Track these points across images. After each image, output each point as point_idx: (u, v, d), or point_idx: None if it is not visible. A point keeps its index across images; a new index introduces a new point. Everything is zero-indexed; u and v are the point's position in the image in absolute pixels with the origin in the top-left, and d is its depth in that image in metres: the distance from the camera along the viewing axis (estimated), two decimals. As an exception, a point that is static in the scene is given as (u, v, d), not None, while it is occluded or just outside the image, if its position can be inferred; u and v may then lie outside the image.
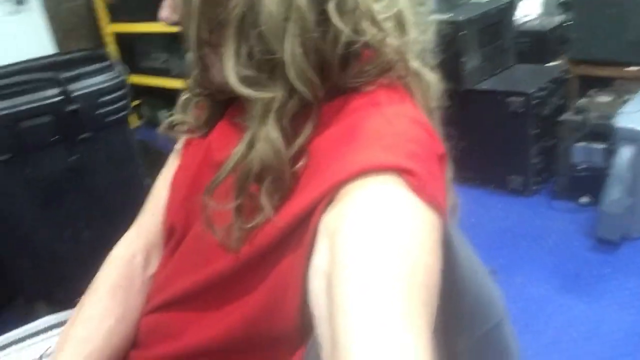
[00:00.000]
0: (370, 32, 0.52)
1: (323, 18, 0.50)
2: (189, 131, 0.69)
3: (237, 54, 0.51)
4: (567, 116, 2.05)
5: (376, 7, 0.52)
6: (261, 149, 0.52)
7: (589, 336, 1.49)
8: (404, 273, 0.43)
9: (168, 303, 0.67)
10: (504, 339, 0.64)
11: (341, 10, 0.50)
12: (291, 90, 0.51)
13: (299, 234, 0.52)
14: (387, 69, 0.56)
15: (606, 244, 1.83)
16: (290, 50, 0.49)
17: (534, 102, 2.06)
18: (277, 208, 0.53)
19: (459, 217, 0.66)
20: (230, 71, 0.51)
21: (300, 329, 0.55)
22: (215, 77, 0.57)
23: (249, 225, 0.54)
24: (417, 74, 0.58)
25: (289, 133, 0.52)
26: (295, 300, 0.54)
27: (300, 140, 0.53)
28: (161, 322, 0.68)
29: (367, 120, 0.53)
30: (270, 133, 0.51)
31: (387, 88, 0.56)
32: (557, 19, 2.63)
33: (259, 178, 0.53)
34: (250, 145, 0.53)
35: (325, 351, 0.44)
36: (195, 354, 0.63)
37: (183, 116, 0.69)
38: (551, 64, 2.49)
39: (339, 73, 0.54)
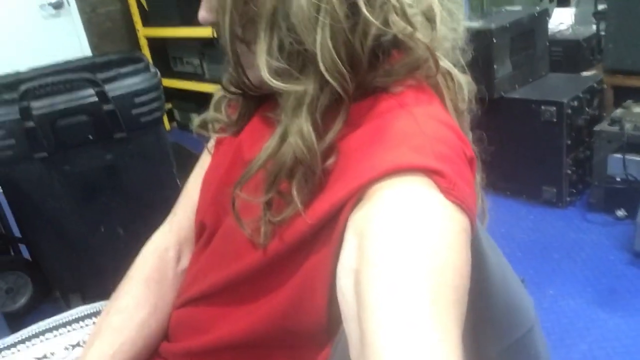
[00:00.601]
0: (399, 26, 0.52)
1: (353, 10, 0.50)
2: (221, 130, 0.69)
3: (270, 48, 0.52)
4: (602, 127, 2.00)
5: (406, 0, 0.52)
6: (294, 143, 0.52)
7: (624, 352, 1.45)
8: (432, 273, 0.43)
9: (197, 297, 0.68)
10: (535, 347, 0.63)
11: (371, 2, 0.50)
12: (322, 83, 0.51)
13: (327, 232, 0.52)
14: (416, 67, 0.55)
15: (642, 259, 1.78)
16: (321, 42, 0.49)
17: (568, 111, 2.02)
18: (306, 204, 0.53)
19: (489, 227, 0.65)
20: (263, 65, 0.52)
21: (327, 327, 0.55)
22: (249, 73, 0.58)
23: (277, 219, 0.54)
24: (446, 74, 0.58)
25: (320, 128, 0.52)
26: (322, 297, 0.54)
27: (330, 136, 0.53)
28: (190, 316, 0.69)
29: (396, 121, 0.53)
30: (302, 126, 0.51)
31: (415, 89, 0.56)
32: (592, 28, 2.58)
33: (291, 172, 0.53)
34: (283, 139, 0.53)
35: (354, 349, 0.44)
36: (222, 348, 0.64)
37: (216, 114, 0.70)
38: (585, 73, 2.45)
39: (369, 70, 0.54)
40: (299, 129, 0.52)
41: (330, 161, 0.53)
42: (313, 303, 0.55)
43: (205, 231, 0.70)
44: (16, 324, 1.67)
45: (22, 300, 1.88)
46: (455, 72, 0.58)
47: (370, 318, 0.42)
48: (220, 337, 0.64)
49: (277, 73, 0.52)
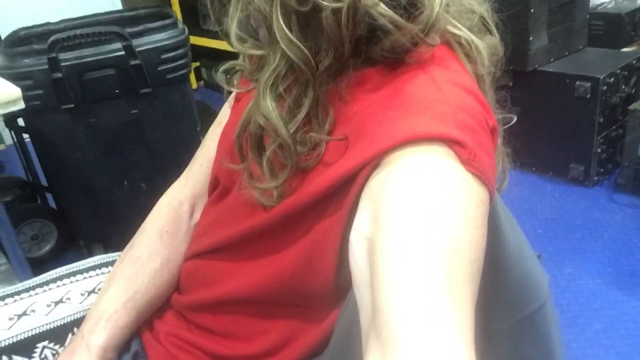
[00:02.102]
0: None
1: None
2: (242, 84, 0.69)
3: (236, 12, 0.52)
4: (637, 105, 1.94)
5: None
6: (260, 120, 0.52)
7: (638, 334, 1.43)
8: (449, 246, 0.42)
9: (206, 251, 0.69)
10: (545, 324, 0.62)
11: None
12: (285, 56, 0.50)
13: (340, 197, 0.52)
14: (416, 42, 0.51)
15: (667, 243, 1.75)
16: (274, 10, 0.48)
17: (603, 88, 1.96)
18: (293, 175, 0.54)
19: (512, 202, 0.64)
20: (232, 28, 0.53)
21: (335, 291, 0.56)
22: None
23: (262, 186, 0.55)
24: (461, 39, 0.56)
25: (289, 103, 0.52)
26: (331, 261, 0.54)
27: (302, 113, 0.52)
28: (199, 269, 0.71)
29: (417, 86, 0.51)
30: (267, 104, 0.52)
31: (436, 53, 0.54)
32: (636, 2, 2.47)
33: (260, 145, 0.54)
34: (255, 104, 0.53)
35: (365, 316, 0.44)
36: (229, 302, 0.65)
37: (242, 64, 0.69)
38: (625, 49, 2.36)
39: (369, 44, 0.51)
40: (265, 107, 0.51)
41: (337, 128, 0.53)
42: (322, 266, 0.55)
43: (218, 186, 0.70)
44: (40, 270, 1.72)
45: (47, 247, 1.94)
46: (470, 36, 0.56)
47: (384, 287, 0.41)
48: (227, 292, 0.65)
49: (242, 39, 0.53)
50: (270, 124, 0.51)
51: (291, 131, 0.52)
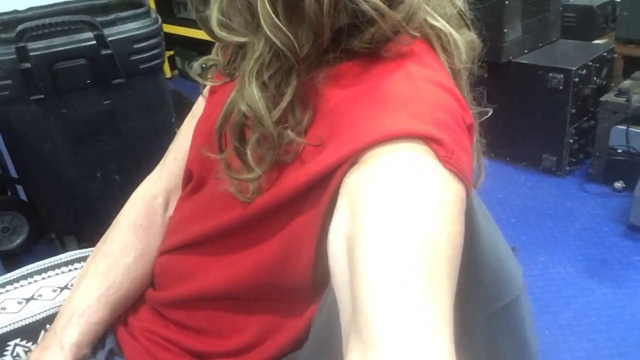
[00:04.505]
0: None
1: None
2: (216, 77, 0.68)
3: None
4: (608, 97, 1.97)
5: None
6: (244, 108, 0.51)
7: (609, 321, 1.47)
8: (427, 244, 0.42)
9: (181, 246, 0.68)
10: (519, 316, 0.63)
11: None
12: (270, 43, 0.49)
13: (318, 193, 0.51)
14: (397, 30, 0.51)
15: (637, 232, 1.78)
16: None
17: (575, 79, 1.99)
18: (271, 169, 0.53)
19: (486, 192, 0.64)
20: (214, 15, 0.52)
21: (313, 286, 0.56)
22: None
23: (241, 178, 0.54)
24: (440, 32, 0.56)
25: (273, 92, 0.51)
26: (309, 256, 0.53)
27: (285, 101, 0.51)
28: (172, 264, 0.70)
29: (394, 83, 0.51)
30: (253, 92, 0.51)
31: (413, 49, 0.54)
32: (608, -6, 2.51)
33: (248, 128, 0.53)
34: (239, 93, 0.52)
35: (345, 314, 0.44)
36: (205, 297, 0.65)
37: (213, 57, 0.68)
38: (597, 41, 2.40)
39: (350, 35, 0.51)
40: (250, 95, 0.51)
41: (315, 124, 0.52)
42: (299, 261, 0.55)
43: (192, 179, 0.70)
44: (11, 263, 1.70)
45: (18, 241, 1.90)
46: (449, 30, 0.56)
47: (363, 286, 0.41)
48: (203, 287, 0.65)
49: (223, 24, 0.51)
50: (254, 112, 0.51)
51: (274, 119, 0.51)
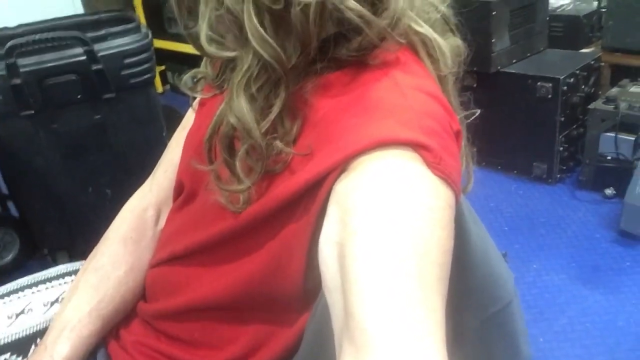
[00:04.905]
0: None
1: None
2: (206, 90, 0.68)
3: (206, 15, 0.51)
4: (596, 105, 1.99)
5: None
6: (232, 120, 0.52)
7: (603, 327, 1.47)
8: (417, 250, 0.43)
9: (171, 258, 0.68)
10: (512, 322, 0.63)
11: None
12: (258, 56, 0.50)
13: (308, 201, 0.52)
14: (381, 38, 0.52)
15: (628, 238, 1.79)
16: (246, 9, 0.48)
17: (563, 88, 2.01)
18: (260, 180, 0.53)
19: (478, 201, 0.64)
20: (202, 31, 0.51)
21: (304, 295, 0.55)
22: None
23: (231, 188, 0.54)
24: (425, 38, 0.56)
25: (262, 104, 0.52)
26: (300, 265, 0.53)
27: (275, 111, 0.51)
28: (164, 276, 0.70)
29: (380, 91, 0.52)
30: (241, 105, 0.51)
31: (400, 57, 0.54)
32: (593, 5, 2.54)
33: (237, 139, 0.53)
34: (222, 114, 0.53)
35: (337, 320, 0.44)
36: (196, 309, 0.65)
37: (202, 70, 0.68)
38: (584, 50, 2.42)
39: (337, 44, 0.52)
40: (238, 108, 0.51)
41: (304, 134, 0.53)
42: (290, 270, 0.55)
43: (183, 191, 0.70)
44: (2, 280, 1.68)
45: (9, 257, 1.88)
46: (434, 35, 0.56)
47: (355, 292, 0.42)
48: (194, 299, 0.64)
49: (212, 40, 0.52)
50: (242, 124, 0.51)
51: (262, 131, 0.51)
